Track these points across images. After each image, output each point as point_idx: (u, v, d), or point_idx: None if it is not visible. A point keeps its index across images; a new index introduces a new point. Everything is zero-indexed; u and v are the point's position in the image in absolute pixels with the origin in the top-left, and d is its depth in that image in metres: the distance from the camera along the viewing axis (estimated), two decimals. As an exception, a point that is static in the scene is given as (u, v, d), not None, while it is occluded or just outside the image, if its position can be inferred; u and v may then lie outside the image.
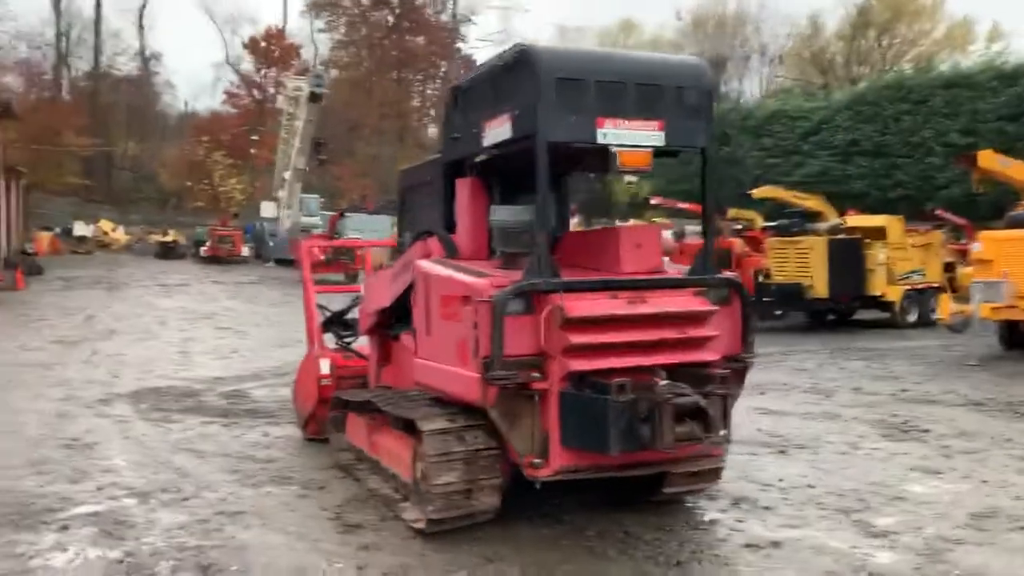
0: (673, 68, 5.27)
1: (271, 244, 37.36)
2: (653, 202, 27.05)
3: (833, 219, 19.21)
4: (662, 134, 5.03)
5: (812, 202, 19.71)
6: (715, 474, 5.81)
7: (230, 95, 56.85)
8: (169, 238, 40.33)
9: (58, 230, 42.87)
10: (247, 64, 56.55)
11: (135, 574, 4.79)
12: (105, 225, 44.21)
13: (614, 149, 4.88)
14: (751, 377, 10.84)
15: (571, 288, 4.85)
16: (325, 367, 7.52)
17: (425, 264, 5.59)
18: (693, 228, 21.87)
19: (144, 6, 60.31)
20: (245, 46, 56.53)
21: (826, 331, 17.52)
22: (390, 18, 59.83)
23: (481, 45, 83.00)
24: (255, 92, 54.94)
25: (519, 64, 4.99)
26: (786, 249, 17.80)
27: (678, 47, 61.18)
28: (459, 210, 5.84)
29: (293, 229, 35.62)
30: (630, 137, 4.94)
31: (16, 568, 4.89)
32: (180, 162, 51.29)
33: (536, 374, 4.78)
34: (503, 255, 5.33)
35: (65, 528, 5.54)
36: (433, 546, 5.13)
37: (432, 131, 65.41)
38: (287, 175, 37.58)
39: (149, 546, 5.21)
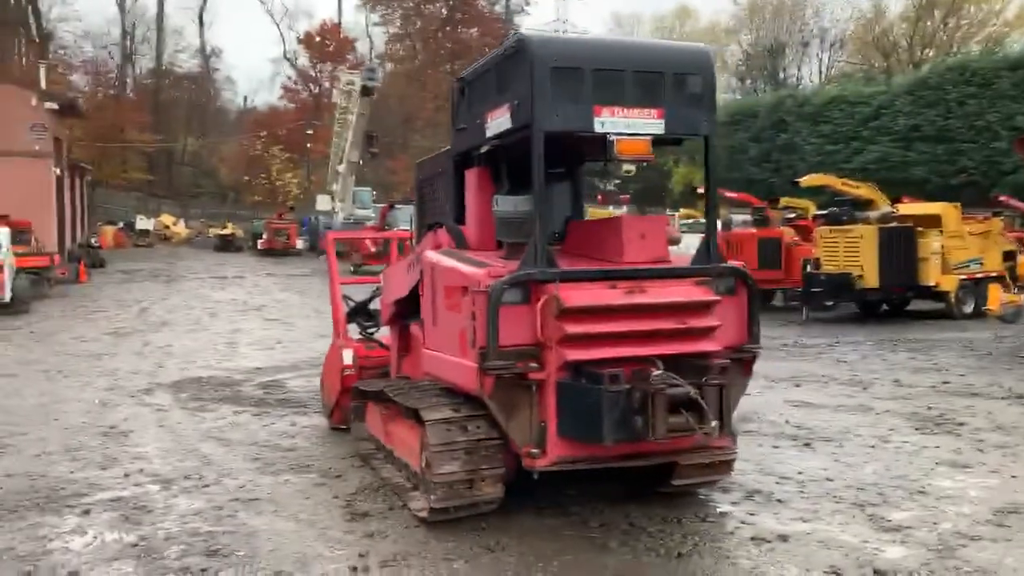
0: (674, 55, 5.20)
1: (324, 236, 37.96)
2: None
3: (884, 207, 18.70)
4: (662, 122, 4.97)
5: (863, 190, 19.17)
6: (727, 466, 5.74)
7: (287, 90, 57.89)
8: (227, 231, 41.26)
9: (122, 224, 44.20)
10: (303, 59, 57.40)
11: (145, 558, 4.93)
12: (166, 219, 45.43)
13: (612, 137, 4.85)
14: (787, 368, 10.84)
15: (568, 278, 4.84)
16: (348, 357, 7.62)
17: (431, 255, 5.62)
18: (741, 218, 21.58)
19: (204, 3, 61.63)
20: (300, 41, 57.38)
21: (877, 322, 17.10)
22: (444, 11, 60.10)
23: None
24: (311, 86, 55.69)
25: (517, 54, 4.98)
26: (835, 238, 17.39)
27: (735, 33, 60.27)
28: (467, 201, 5.86)
29: (347, 222, 36.10)
30: (629, 125, 4.90)
31: (36, 550, 5.08)
32: (239, 157, 52.39)
33: (533, 364, 4.78)
34: (507, 245, 5.33)
35: (87, 512, 5.74)
36: (436, 535, 5.17)
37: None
38: (341, 168, 38.03)
39: (164, 531, 5.36)
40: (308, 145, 47.09)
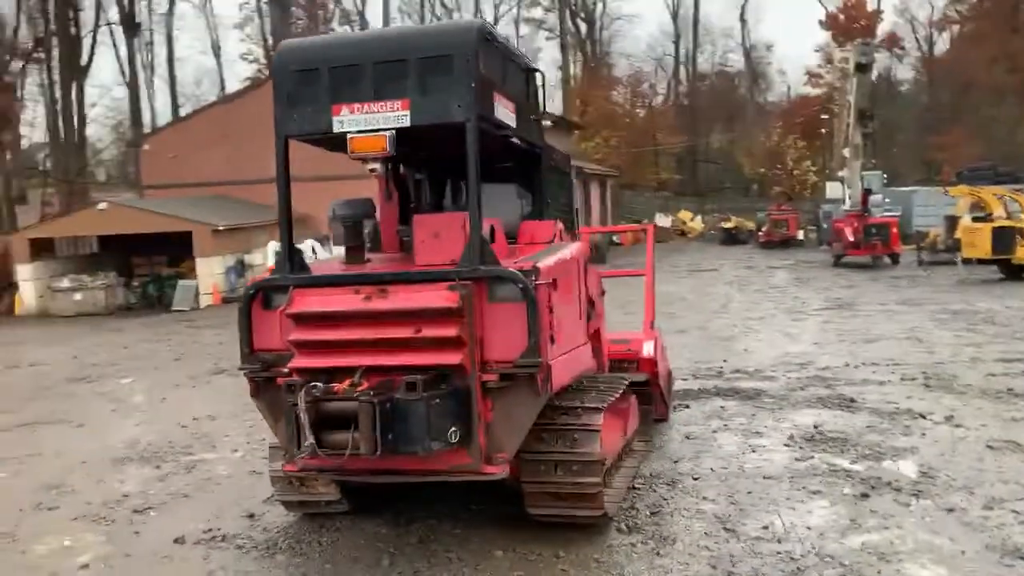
0: (423, 40, 4.65)
1: (824, 226, 36.00)
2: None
3: None
4: (407, 113, 4.51)
5: None
6: (587, 499, 4.88)
7: (811, 75, 55.63)
8: (730, 225, 41.43)
9: (645, 221, 47.60)
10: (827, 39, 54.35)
11: (43, 510, 6.21)
12: (684, 215, 47.40)
13: (349, 136, 4.59)
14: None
15: (305, 283, 4.70)
16: None
17: (328, 260, 5.86)
18: None
19: (745, 3, 62.13)
20: (821, 23, 54.52)
21: None
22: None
23: None
24: (833, 68, 52.62)
25: None
26: None
27: None
28: None
29: (852, 209, 33.80)
30: (369, 121, 4.57)
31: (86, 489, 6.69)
32: (760, 150, 52.07)
33: (285, 370, 4.77)
34: (346, 249, 5.31)
35: (157, 466, 7.20)
36: (277, 525, 5.52)
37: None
38: (846, 153, 35.68)
39: (109, 498, 6.39)
40: (822, 130, 44.80)
